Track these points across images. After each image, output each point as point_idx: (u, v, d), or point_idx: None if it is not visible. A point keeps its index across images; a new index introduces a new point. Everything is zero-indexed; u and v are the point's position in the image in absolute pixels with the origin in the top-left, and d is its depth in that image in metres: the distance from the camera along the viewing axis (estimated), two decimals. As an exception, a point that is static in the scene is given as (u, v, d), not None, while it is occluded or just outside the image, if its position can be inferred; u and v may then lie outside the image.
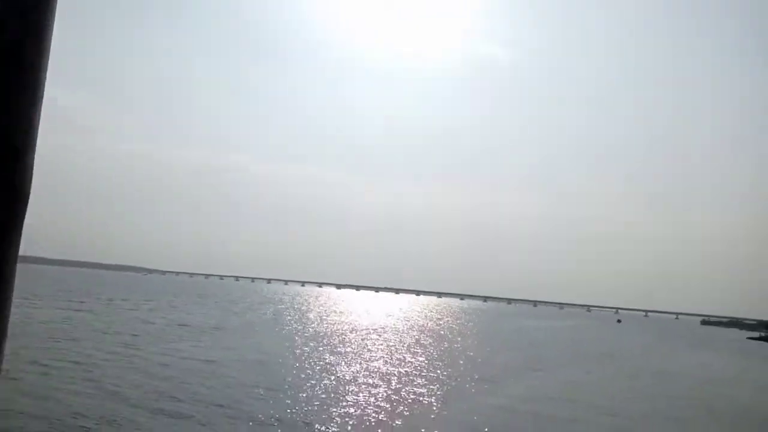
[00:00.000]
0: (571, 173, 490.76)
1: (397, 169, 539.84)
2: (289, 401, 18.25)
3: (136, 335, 32.49)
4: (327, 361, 28.18)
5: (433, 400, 20.81)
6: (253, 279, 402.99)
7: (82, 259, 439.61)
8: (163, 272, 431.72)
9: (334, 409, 17.66)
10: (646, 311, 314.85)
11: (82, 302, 56.22)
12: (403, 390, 22.13)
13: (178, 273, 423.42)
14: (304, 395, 19.35)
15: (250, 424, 15.21)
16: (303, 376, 23.27)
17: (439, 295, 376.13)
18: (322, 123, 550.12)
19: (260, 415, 16.09)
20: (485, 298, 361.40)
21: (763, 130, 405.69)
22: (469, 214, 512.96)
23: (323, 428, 15.47)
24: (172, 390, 18.43)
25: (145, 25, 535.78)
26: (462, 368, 30.21)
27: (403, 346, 39.26)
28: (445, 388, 23.82)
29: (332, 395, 19.77)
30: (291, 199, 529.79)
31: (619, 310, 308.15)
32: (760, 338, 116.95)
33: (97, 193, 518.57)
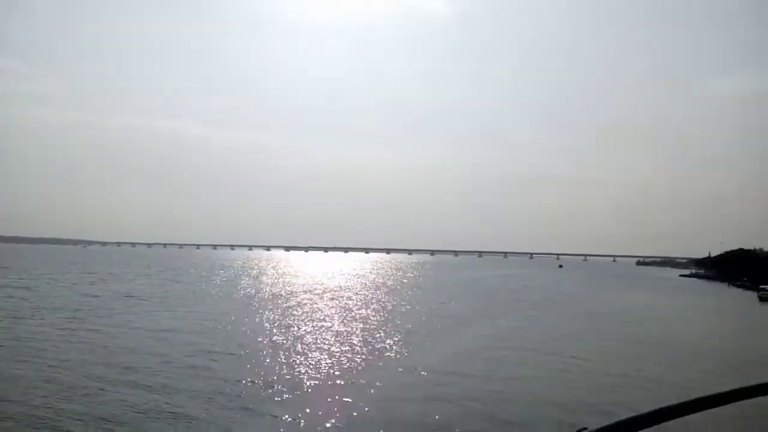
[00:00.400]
0: (514, 129, 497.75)
1: (343, 131, 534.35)
2: (245, 364, 18.42)
3: (78, 309, 31.75)
4: (283, 323, 28.39)
5: (390, 350, 21.36)
6: (198, 246, 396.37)
7: (17, 234, 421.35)
8: (104, 243, 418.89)
9: (294, 367, 17.96)
10: (585, 255, 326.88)
11: (20, 279, 54.28)
12: (360, 344, 22.61)
13: (119, 244, 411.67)
14: (262, 357, 19.56)
15: (205, 389, 15.32)
16: (259, 338, 23.43)
17: (388, 251, 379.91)
18: (265, 86, 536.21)
19: (213, 380, 16.21)
20: (432, 252, 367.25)
21: (709, 72, 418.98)
22: (415, 173, 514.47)
23: (284, 386, 15.75)
24: (128, 360, 18.30)
25: None
26: (414, 320, 30.91)
27: (357, 303, 39.78)
28: (400, 338, 24.41)
29: (290, 354, 20.05)
30: (235, 165, 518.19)
31: (560, 256, 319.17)
32: (690, 275, 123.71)
33: (34, 164, 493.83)
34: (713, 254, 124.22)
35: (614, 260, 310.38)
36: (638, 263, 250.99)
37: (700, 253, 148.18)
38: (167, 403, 13.77)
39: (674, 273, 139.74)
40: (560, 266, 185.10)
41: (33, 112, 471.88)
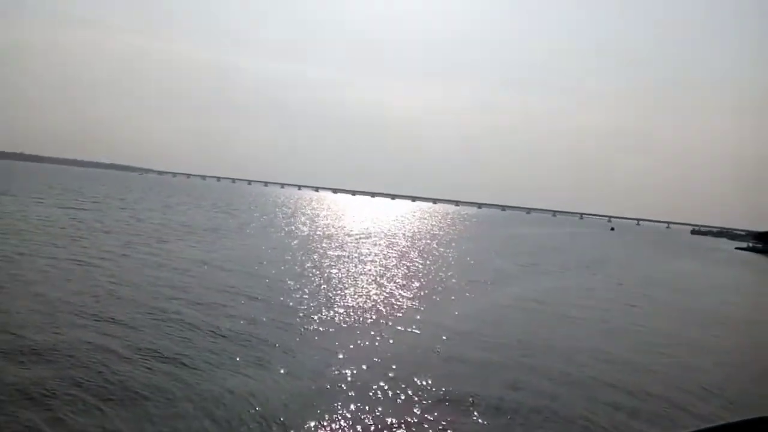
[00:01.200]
0: (573, 77, 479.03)
1: (401, 71, 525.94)
2: (283, 300, 18.74)
3: (133, 234, 32.84)
4: (325, 264, 28.68)
5: (428, 300, 21.40)
6: (249, 182, 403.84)
7: (76, 158, 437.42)
8: (160, 172, 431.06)
9: (333, 309, 18.17)
10: (638, 220, 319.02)
11: (77, 200, 56.43)
12: (399, 291, 22.70)
13: (175, 174, 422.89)
14: (302, 294, 19.86)
15: (242, 323, 15.65)
16: (301, 278, 23.77)
17: (435, 201, 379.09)
18: (320, 20, 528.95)
19: (250, 315, 16.55)
20: (479, 205, 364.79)
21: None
22: (465, 119, 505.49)
23: (323, 327, 15.96)
24: (171, 289, 18.86)
25: None
26: (456, 273, 30.81)
27: (396, 251, 39.89)
28: (440, 289, 24.41)
29: (330, 296, 20.27)
30: (285, 102, 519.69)
31: (612, 219, 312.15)
32: (747, 248, 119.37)
33: (92, 89, 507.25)
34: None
35: (668, 227, 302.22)
36: (693, 232, 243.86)
37: (760, 226, 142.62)
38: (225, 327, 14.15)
39: (730, 245, 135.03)
40: (612, 229, 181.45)
41: (89, 35, 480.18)
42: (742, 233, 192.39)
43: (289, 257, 29.68)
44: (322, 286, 21.85)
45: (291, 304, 18.20)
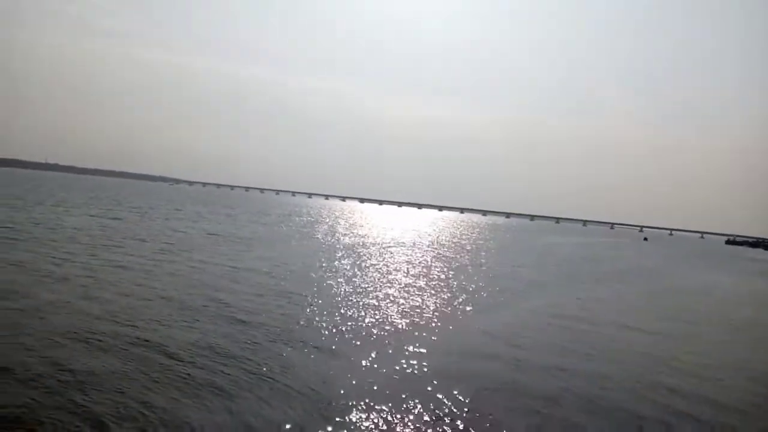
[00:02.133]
0: (602, 91, 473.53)
1: (422, 85, 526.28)
2: (317, 309, 18.78)
3: (170, 243, 33.36)
4: (351, 275, 28.68)
5: (460, 310, 21.24)
6: (277, 192, 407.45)
7: (109, 168, 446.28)
8: (190, 183, 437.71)
9: (364, 318, 18.14)
10: (671, 230, 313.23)
11: (110, 209, 57.56)
12: (430, 300, 22.59)
13: (204, 184, 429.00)
14: (340, 303, 19.89)
15: (279, 329, 15.71)
16: (339, 286, 23.81)
17: (462, 210, 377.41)
18: (345, 37, 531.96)
19: (286, 320, 16.61)
20: (508, 214, 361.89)
21: None
22: (493, 130, 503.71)
23: (357, 334, 15.94)
24: (211, 294, 19.06)
25: None
26: (485, 282, 30.54)
27: (424, 261, 39.73)
28: (471, 299, 24.21)
29: (362, 305, 20.25)
30: (312, 113, 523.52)
31: (644, 228, 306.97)
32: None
33: (123, 101, 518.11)
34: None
35: (702, 237, 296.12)
36: (727, 242, 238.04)
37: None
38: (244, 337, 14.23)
39: (767, 255, 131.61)
40: (645, 239, 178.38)
41: (117, 48, 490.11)
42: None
43: (318, 267, 29.77)
44: (348, 297, 21.83)
45: (314, 316, 18.19)
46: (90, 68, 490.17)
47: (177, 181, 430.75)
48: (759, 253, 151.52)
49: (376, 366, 13.29)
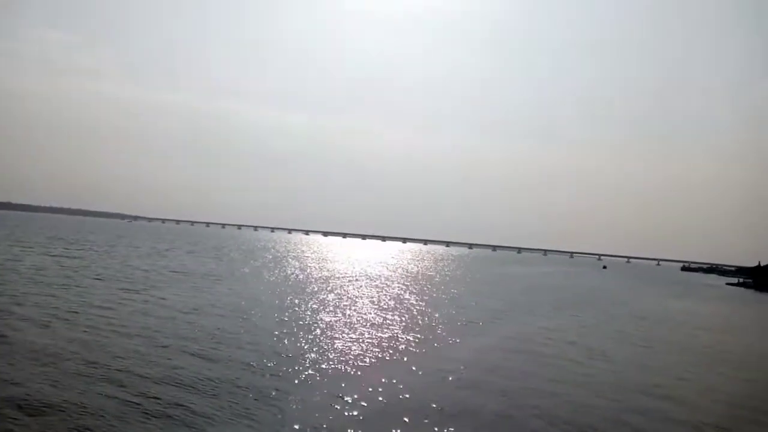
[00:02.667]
0: (564, 122, 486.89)
1: (381, 116, 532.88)
2: (288, 341, 18.60)
3: (132, 281, 32.67)
4: (317, 309, 28.55)
5: (423, 343, 21.28)
6: (239, 226, 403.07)
7: (65, 206, 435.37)
8: (150, 219, 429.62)
9: (325, 355, 18.06)
10: (628, 257, 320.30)
11: (69, 249, 56.08)
12: (399, 332, 22.60)
13: (164, 220, 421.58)
14: (303, 338, 19.73)
15: (238, 368, 15.53)
16: (302, 321, 23.64)
17: (425, 242, 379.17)
18: (311, 68, 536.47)
19: (247, 357, 16.43)
20: (470, 245, 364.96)
21: (752, 86, 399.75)
22: (452, 162, 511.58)
23: (319, 374, 15.84)
24: (174, 332, 18.71)
25: None
26: (448, 314, 30.64)
27: (390, 293, 39.76)
28: (433, 332, 24.26)
29: (323, 341, 20.16)
30: (274, 147, 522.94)
31: (602, 257, 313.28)
32: (738, 284, 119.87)
33: (78, 138, 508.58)
34: (763, 263, 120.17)
35: (658, 264, 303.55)
36: (683, 268, 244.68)
37: (749, 263, 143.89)
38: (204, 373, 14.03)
39: (721, 281, 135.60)
40: (604, 267, 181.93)
41: (86, 84, 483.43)
42: (732, 269, 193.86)
43: (283, 301, 29.52)
44: (314, 331, 21.71)
45: (279, 350, 18.01)
46: (51, 106, 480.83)
47: (135, 218, 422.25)
48: (713, 278, 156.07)
49: (348, 399, 13.21)
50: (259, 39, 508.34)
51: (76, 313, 21.06)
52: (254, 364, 15.78)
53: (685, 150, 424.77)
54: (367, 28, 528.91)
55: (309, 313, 25.73)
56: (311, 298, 31.69)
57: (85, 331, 18.08)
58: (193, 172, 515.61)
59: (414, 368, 16.97)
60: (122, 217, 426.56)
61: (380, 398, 13.57)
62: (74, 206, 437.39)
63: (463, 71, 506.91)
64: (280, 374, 14.98)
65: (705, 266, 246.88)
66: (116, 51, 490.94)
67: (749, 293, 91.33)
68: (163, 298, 26.83)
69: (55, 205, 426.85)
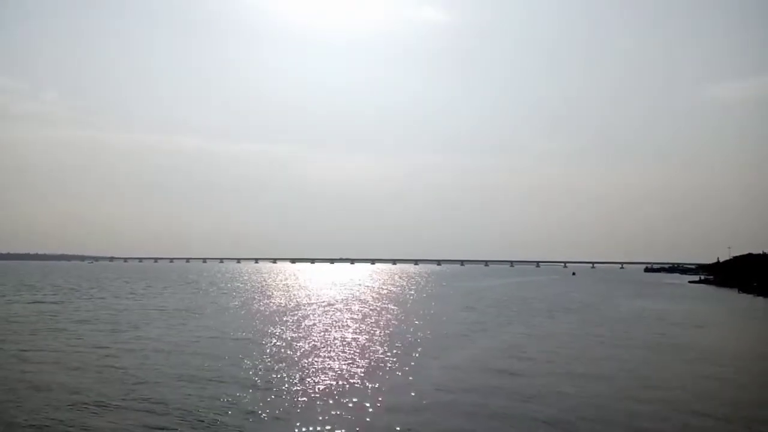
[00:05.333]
0: (520, 135, 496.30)
1: (341, 140, 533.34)
2: (272, 372, 18.95)
3: (115, 322, 32.46)
4: (292, 336, 28.87)
5: (397, 364, 21.71)
6: (204, 260, 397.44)
7: (26, 251, 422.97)
8: (111, 259, 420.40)
9: (307, 380, 18.47)
10: (593, 263, 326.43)
11: (43, 294, 55.02)
12: (374, 356, 23.07)
13: (126, 259, 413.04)
14: (284, 366, 20.09)
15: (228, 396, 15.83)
16: (283, 350, 23.95)
17: (394, 262, 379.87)
18: (264, 98, 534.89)
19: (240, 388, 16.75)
20: (439, 262, 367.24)
21: (712, 95, 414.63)
22: (411, 182, 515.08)
23: (299, 399, 16.27)
24: (158, 368, 18.87)
25: (87, 7, 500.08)
26: (422, 332, 30.82)
27: (361, 315, 40.09)
28: (408, 352, 24.46)
29: (301, 366, 20.55)
30: (236, 178, 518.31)
31: (567, 264, 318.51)
32: (699, 281, 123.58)
33: (37, 182, 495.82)
34: (722, 260, 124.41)
35: (622, 267, 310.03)
36: (646, 269, 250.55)
37: (708, 259, 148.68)
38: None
39: (683, 279, 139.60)
40: (573, 273, 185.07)
41: (35, 130, 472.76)
42: (692, 267, 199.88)
43: (262, 332, 29.69)
44: (294, 360, 22.07)
45: (259, 381, 18.29)
46: (6, 153, 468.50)
47: (96, 259, 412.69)
48: (676, 277, 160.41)
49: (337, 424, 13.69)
50: (205, 72, 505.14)
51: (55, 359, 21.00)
52: (237, 394, 16.09)
53: (637, 155, 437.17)
54: (320, 54, 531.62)
55: (287, 343, 26.05)
56: (287, 327, 31.92)
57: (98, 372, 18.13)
58: (154, 209, 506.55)
59: (396, 388, 17.51)
60: (82, 258, 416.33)
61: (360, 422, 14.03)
62: (30, 251, 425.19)
63: (421, 93, 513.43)
64: (260, 404, 15.31)
65: (667, 266, 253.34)
66: (63, 95, 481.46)
67: (711, 289, 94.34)
68: (151, 337, 26.82)
69: (11, 251, 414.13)
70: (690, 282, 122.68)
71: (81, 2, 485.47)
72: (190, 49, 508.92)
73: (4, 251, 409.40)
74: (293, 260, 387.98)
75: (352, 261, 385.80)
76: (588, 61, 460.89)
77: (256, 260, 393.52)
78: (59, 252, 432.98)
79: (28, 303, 45.37)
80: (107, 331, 28.88)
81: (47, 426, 13.03)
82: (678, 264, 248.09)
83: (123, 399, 15.33)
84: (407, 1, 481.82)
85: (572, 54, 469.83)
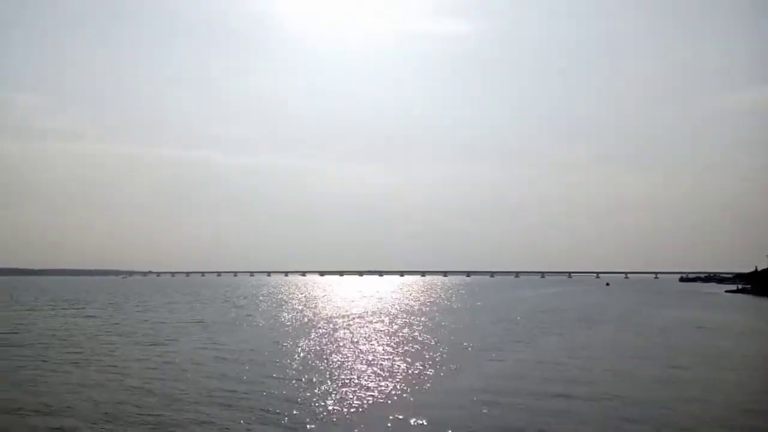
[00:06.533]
0: (540, 143, 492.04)
1: (364, 152, 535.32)
2: (311, 384, 19.19)
3: (151, 335, 33.17)
4: (329, 349, 29.06)
5: (436, 375, 21.77)
6: (235, 273, 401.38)
7: (61, 267, 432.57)
8: (144, 273, 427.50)
9: (346, 391, 18.65)
10: (626, 273, 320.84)
11: (81, 308, 56.40)
12: (404, 367, 23.15)
13: (159, 273, 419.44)
14: (323, 378, 20.32)
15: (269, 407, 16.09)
16: (317, 362, 24.19)
17: (423, 273, 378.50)
18: (284, 110, 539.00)
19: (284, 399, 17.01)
20: (468, 273, 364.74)
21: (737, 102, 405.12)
22: (440, 192, 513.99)
23: (342, 408, 16.43)
24: (202, 379, 19.29)
25: (106, 24, 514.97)
26: (456, 344, 30.60)
27: (395, 328, 40.04)
28: (446, 362, 24.61)
29: (340, 379, 20.75)
30: (264, 192, 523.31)
31: (600, 274, 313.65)
32: (737, 290, 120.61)
33: (68, 198, 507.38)
34: (760, 268, 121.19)
35: (656, 277, 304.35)
36: (681, 279, 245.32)
37: (746, 268, 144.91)
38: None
39: (720, 289, 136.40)
40: (607, 284, 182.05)
41: (63, 146, 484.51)
42: (729, 276, 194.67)
43: (291, 345, 29.86)
44: (333, 373, 22.26)
45: (294, 391, 18.62)
46: (29, 169, 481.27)
47: (130, 273, 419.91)
48: (713, 287, 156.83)
49: None
50: (225, 88, 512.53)
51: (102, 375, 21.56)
52: (271, 409, 16.30)
53: (663, 161, 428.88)
54: (338, 65, 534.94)
55: (324, 355, 26.22)
56: (322, 340, 32.12)
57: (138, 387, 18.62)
58: (183, 223, 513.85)
59: (437, 399, 17.55)
60: (116, 273, 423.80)
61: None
62: (67, 266, 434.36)
63: (446, 100, 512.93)
64: (298, 414, 15.53)
65: (703, 275, 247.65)
66: (91, 111, 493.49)
67: (749, 299, 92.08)
68: (188, 349, 27.34)
69: (45, 267, 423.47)
70: (727, 291, 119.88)
71: (104, 19, 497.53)
72: (209, 59, 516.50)
73: (40, 267, 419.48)
74: (322, 273, 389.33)
75: (381, 273, 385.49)
76: (607, 68, 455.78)
77: (286, 273, 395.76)
78: (94, 267, 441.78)
79: (72, 317, 46.53)
80: (146, 344, 29.50)
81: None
82: (714, 273, 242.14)
83: (165, 409, 15.73)
84: (426, 12, 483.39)
85: (591, 64, 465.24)
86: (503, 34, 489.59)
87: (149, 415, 15.21)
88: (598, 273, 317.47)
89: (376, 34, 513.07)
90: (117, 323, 41.23)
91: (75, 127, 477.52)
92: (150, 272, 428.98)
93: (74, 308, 57.11)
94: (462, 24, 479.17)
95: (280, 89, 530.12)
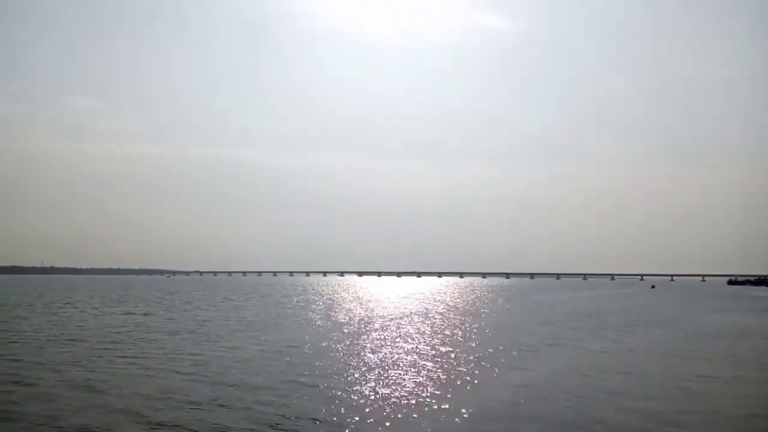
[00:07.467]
0: (586, 142, 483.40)
1: (406, 150, 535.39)
2: (358, 381, 19.07)
3: (197, 333, 33.66)
4: (370, 347, 28.93)
5: (477, 378, 21.45)
6: (275, 273, 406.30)
7: (110, 266, 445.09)
8: (187, 273, 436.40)
9: (385, 391, 18.46)
10: (672, 275, 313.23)
11: (136, 306, 57.90)
12: (448, 367, 22.87)
13: (201, 273, 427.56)
14: (368, 377, 20.19)
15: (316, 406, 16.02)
16: (362, 360, 24.10)
17: (461, 275, 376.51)
18: (325, 107, 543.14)
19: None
20: (507, 275, 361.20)
21: None
22: (480, 192, 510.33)
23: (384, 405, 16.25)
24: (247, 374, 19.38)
25: (151, 26, 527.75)
26: (497, 346, 29.96)
27: (436, 328, 39.71)
28: (488, 363, 24.28)
29: (382, 377, 20.59)
30: (295, 189, 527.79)
31: (644, 277, 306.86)
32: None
33: (117, 198, 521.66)
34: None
35: (703, 279, 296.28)
36: (729, 282, 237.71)
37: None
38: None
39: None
40: (653, 287, 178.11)
41: (111, 147, 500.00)
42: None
43: (334, 343, 29.77)
44: (384, 372, 22.10)
45: (335, 388, 18.54)
46: (77, 169, 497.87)
47: (174, 273, 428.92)
48: (763, 290, 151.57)
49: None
50: (269, 86, 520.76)
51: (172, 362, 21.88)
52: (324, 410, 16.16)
53: (710, 158, 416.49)
54: (378, 62, 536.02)
55: (365, 354, 26.10)
56: (364, 339, 31.99)
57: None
58: (221, 223, 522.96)
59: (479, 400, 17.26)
60: (161, 272, 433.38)
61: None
62: (112, 266, 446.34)
63: (479, 101, 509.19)
64: (333, 409, 15.51)
65: (752, 278, 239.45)
66: (137, 114, 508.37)
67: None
68: (236, 347, 27.61)
69: (93, 266, 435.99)
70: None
71: (148, 27, 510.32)
72: (252, 65, 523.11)
73: (87, 266, 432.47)
74: (360, 273, 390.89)
75: (419, 274, 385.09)
76: (654, 62, 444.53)
77: (325, 273, 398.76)
78: (138, 267, 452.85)
79: (120, 314, 47.62)
80: (194, 341, 29.90)
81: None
82: (765, 276, 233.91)
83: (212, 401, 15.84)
84: (468, 8, 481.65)
85: (639, 57, 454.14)
86: (550, 30, 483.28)
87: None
88: (642, 275, 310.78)
89: (418, 29, 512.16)
90: (166, 320, 41.95)
91: (121, 128, 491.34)
92: (191, 272, 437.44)
93: (126, 306, 58.41)
94: (506, 20, 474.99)
95: (319, 89, 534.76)
